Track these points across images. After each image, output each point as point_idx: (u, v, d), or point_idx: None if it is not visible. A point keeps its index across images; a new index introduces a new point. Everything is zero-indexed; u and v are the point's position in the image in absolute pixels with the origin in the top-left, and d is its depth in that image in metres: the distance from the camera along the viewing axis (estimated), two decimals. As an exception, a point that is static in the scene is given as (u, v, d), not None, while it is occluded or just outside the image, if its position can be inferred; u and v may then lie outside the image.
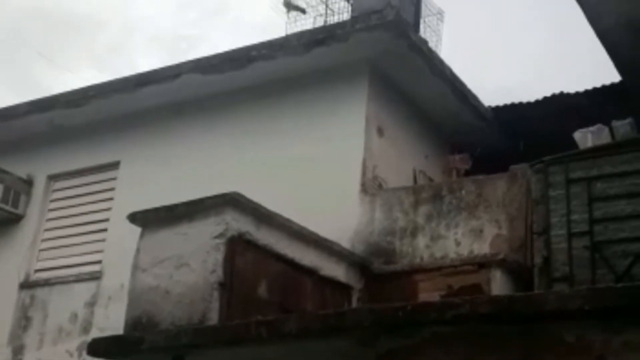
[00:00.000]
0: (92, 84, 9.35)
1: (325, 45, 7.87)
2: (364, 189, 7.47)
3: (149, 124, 9.13)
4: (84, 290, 8.68)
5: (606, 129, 6.95)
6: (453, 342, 4.51)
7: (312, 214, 6.78)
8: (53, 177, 9.76)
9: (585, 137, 6.90)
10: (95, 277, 8.69)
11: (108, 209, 8.97)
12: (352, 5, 9.13)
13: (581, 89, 8.35)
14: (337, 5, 9.55)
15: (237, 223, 5.69)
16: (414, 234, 7.04)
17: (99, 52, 29.69)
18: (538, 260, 5.91)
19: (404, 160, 8.19)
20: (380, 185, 7.61)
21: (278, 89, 8.37)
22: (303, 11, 10.03)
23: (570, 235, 5.76)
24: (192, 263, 5.65)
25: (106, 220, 8.91)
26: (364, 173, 7.54)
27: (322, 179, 7.65)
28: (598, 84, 8.29)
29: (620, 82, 8.01)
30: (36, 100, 9.66)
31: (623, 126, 6.91)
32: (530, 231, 6.24)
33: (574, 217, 5.78)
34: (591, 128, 6.93)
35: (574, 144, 6.96)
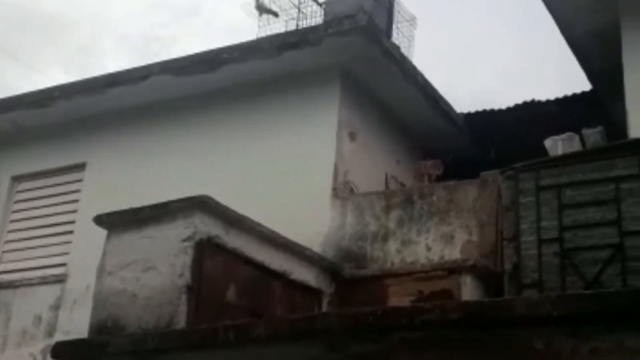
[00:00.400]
0: (58, 84, 9.22)
1: (297, 49, 7.85)
2: (336, 193, 7.45)
3: (117, 125, 9.02)
4: (48, 293, 8.54)
5: (577, 137, 7.01)
6: (422, 347, 4.48)
7: (283, 218, 6.74)
8: (17, 178, 9.61)
9: (556, 145, 6.94)
10: (60, 279, 8.57)
11: (74, 211, 8.84)
12: (324, 9, 9.14)
13: (552, 95, 8.46)
14: (309, 9, 9.55)
15: (205, 226, 5.63)
16: (385, 238, 7.03)
17: (68, 52, 29.43)
18: (508, 266, 5.91)
19: (376, 165, 8.18)
20: (351, 190, 7.60)
21: (249, 92, 8.32)
22: (275, 14, 10.00)
23: (540, 242, 5.77)
24: (159, 266, 5.57)
25: (72, 222, 8.79)
26: (335, 177, 7.53)
27: (294, 183, 7.62)
28: (569, 89, 8.43)
29: (591, 91, 8.10)
30: (-2, 100, 9.52)
31: (593, 134, 6.98)
32: (501, 237, 6.25)
33: (544, 223, 5.80)
34: (562, 136, 6.99)
35: (544, 151, 7.00)
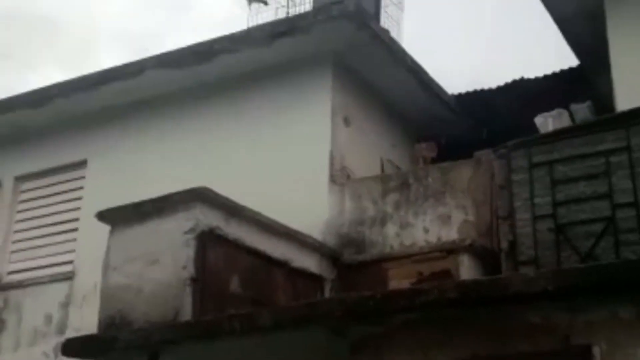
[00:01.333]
0: (54, 82, 9.27)
1: (288, 37, 7.89)
2: (333, 179, 7.52)
3: (115, 121, 9.08)
4: (57, 291, 8.62)
5: (566, 113, 7.08)
6: (423, 328, 4.60)
7: (282, 207, 6.81)
8: (20, 179, 9.67)
9: (546, 122, 7.02)
10: (68, 277, 8.65)
11: (77, 208, 8.91)
12: (313, -4, 9.17)
13: (541, 73, 8.50)
14: (298, -3, 9.58)
15: (206, 218, 5.71)
16: (383, 222, 7.12)
17: (63, 51, 29.36)
18: (504, 244, 6.00)
19: (371, 150, 8.25)
20: (348, 176, 7.67)
21: (243, 82, 8.37)
22: (265, 2, 10.06)
23: (535, 219, 5.86)
24: (163, 260, 5.66)
25: (76, 219, 8.87)
26: (331, 164, 7.59)
27: (291, 171, 7.68)
28: (557, 67, 8.45)
29: (578, 66, 8.16)
30: (-4, 101, 9.57)
31: (582, 109, 7.05)
32: (496, 216, 6.34)
33: (537, 200, 5.88)
34: (552, 112, 7.06)
35: (536, 129, 7.08)
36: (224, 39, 8.23)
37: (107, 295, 5.81)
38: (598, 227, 5.59)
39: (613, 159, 5.68)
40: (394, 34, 8.73)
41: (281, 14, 9.62)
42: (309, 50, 7.99)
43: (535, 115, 7.19)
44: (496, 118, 8.69)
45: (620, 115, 6.04)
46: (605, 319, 4.22)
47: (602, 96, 7.33)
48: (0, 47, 28.59)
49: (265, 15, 9.76)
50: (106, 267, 5.92)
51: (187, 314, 5.39)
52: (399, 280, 6.23)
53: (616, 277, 4.15)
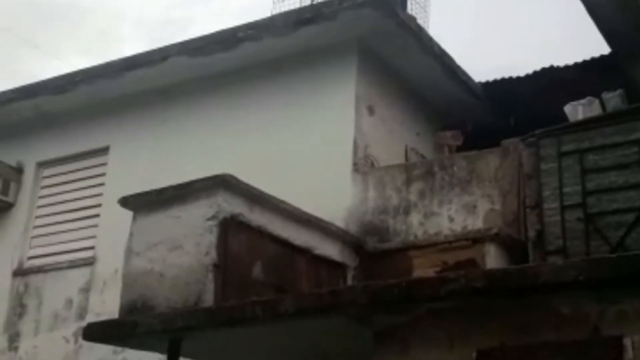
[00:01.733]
0: (78, 69, 9.28)
1: (312, 24, 7.81)
2: (356, 168, 7.46)
3: (138, 108, 9.07)
4: (78, 276, 8.66)
5: (596, 101, 6.94)
6: (449, 317, 4.52)
7: (305, 195, 6.76)
8: (43, 164, 9.71)
9: (576, 110, 6.89)
10: (89, 262, 8.67)
11: (99, 195, 8.93)
12: (339, -17, 9.06)
13: (571, 61, 8.35)
14: (323, -16, 9.46)
15: (229, 205, 5.68)
16: (407, 211, 7.04)
17: (87, 39, 29.52)
18: (532, 233, 5.92)
19: (396, 138, 8.17)
20: (372, 164, 7.60)
21: (266, 70, 8.33)
22: (289, -10, 9.99)
23: (563, 208, 5.77)
24: (185, 245, 5.64)
25: (98, 205, 8.88)
26: (355, 152, 7.53)
27: (314, 159, 7.63)
28: (587, 55, 8.29)
29: (610, 54, 8.00)
30: (21, 87, 9.59)
31: (613, 98, 6.90)
32: (523, 205, 6.25)
33: (567, 189, 5.79)
34: (582, 101, 6.92)
35: (565, 118, 6.95)
36: (248, 26, 8.18)
37: (129, 281, 5.80)
38: (629, 217, 5.49)
39: (645, 148, 5.56)
40: (420, 21, 8.63)
41: (305, 2, 9.55)
42: (333, 38, 7.91)
43: (564, 104, 7.05)
44: (524, 107, 8.56)
45: (653, 103, 5.91)
46: (638, 311, 4.12)
47: (635, 85, 7.19)
48: (25, 34, 28.79)
49: (290, 2, 9.69)
50: (129, 253, 5.92)
51: (209, 300, 5.36)
52: (423, 269, 6.14)
53: (649, 267, 4.04)
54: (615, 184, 5.63)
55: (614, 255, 4.83)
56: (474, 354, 4.31)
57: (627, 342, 4.02)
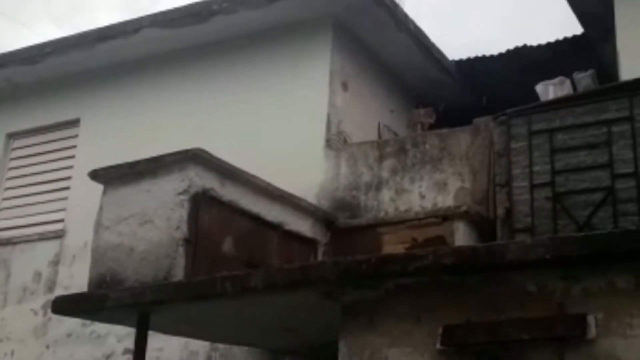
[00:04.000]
0: (49, 40, 9.15)
1: (287, -2, 7.76)
2: (329, 144, 7.47)
3: (109, 80, 8.99)
4: (47, 249, 8.61)
5: (568, 81, 7.00)
6: (417, 293, 4.55)
7: (277, 170, 6.76)
8: (12, 135, 9.61)
9: (547, 90, 6.94)
10: (58, 235, 8.62)
11: (69, 167, 8.86)
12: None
13: (544, 41, 8.39)
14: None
15: (200, 179, 5.64)
16: (378, 188, 7.07)
17: (58, 9, 29.03)
18: (501, 211, 5.96)
19: (369, 115, 8.18)
20: (345, 140, 7.60)
21: (240, 43, 8.27)
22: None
23: (532, 187, 5.81)
24: (156, 220, 5.60)
25: (68, 178, 8.82)
26: (328, 128, 7.53)
27: (287, 134, 7.62)
28: (561, 35, 8.34)
29: (582, 34, 8.05)
30: (-11, 57, 9.45)
31: (584, 78, 6.97)
32: (493, 183, 6.29)
33: (536, 168, 5.83)
34: (553, 80, 6.98)
35: (536, 97, 7.00)
36: (222, -1, 8.10)
37: (99, 254, 5.75)
38: (597, 197, 5.55)
39: (615, 128, 5.63)
40: (396, -2, 8.59)
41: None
42: (308, 12, 7.87)
43: (536, 83, 7.11)
44: (497, 86, 8.61)
45: (623, 84, 5.97)
46: (602, 289, 4.17)
47: (606, 65, 7.25)
48: (-4, 4, 28.21)
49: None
50: (98, 226, 5.86)
51: (179, 275, 5.34)
52: (393, 245, 6.18)
53: (615, 246, 4.09)
54: (583, 164, 5.67)
55: (580, 234, 4.89)
56: (440, 329, 4.34)
57: (590, 319, 4.07)
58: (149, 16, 8.53)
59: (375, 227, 6.54)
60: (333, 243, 6.70)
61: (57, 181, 8.93)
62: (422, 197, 6.79)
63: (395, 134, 8.30)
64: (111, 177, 5.93)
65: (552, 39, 8.34)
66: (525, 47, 8.46)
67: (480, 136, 6.72)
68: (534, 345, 4.09)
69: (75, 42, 8.91)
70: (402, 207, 6.84)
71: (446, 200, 6.65)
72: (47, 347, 8.25)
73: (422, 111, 8.50)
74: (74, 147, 9.01)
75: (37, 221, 8.89)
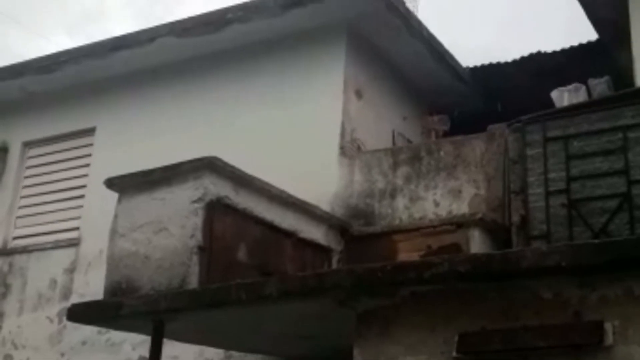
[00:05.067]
0: (64, 49, 9.22)
1: (301, 6, 7.78)
2: (343, 151, 7.46)
3: (124, 89, 9.03)
4: (62, 257, 8.65)
5: (583, 87, 6.97)
6: (432, 300, 4.54)
7: (291, 178, 6.77)
8: (28, 144, 9.67)
9: (562, 96, 6.92)
10: (74, 243, 8.66)
11: (85, 175, 8.91)
12: (328, -35, 9.00)
13: (558, 47, 8.36)
14: (313, -34, 9.41)
15: (215, 187, 5.66)
16: (393, 195, 7.06)
17: (73, 18, 29.25)
18: (516, 219, 5.93)
19: (383, 123, 8.17)
20: (359, 148, 7.61)
21: (255, 51, 8.30)
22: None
23: (548, 194, 5.78)
24: (170, 228, 5.62)
25: (83, 186, 8.86)
26: (342, 136, 7.53)
27: (301, 142, 7.63)
28: (575, 41, 8.30)
29: (597, 41, 8.02)
30: (6, 66, 9.51)
31: (600, 84, 6.93)
32: (508, 190, 6.26)
33: (551, 175, 5.80)
34: (568, 87, 6.95)
35: (551, 103, 6.97)
36: (237, 8, 8.15)
37: (114, 262, 5.78)
38: (613, 204, 5.51)
39: (631, 134, 5.59)
40: (409, 4, 8.60)
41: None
42: (322, 20, 7.89)
43: (551, 90, 7.08)
44: (511, 92, 8.58)
45: (639, 90, 5.92)
46: (619, 296, 4.15)
47: (622, 71, 7.21)
48: (11, 12, 28.52)
49: (278, -16, 9.59)
50: (113, 234, 5.89)
51: (193, 283, 5.35)
52: (407, 253, 6.16)
53: (631, 253, 4.06)
54: (599, 170, 5.64)
55: (596, 241, 4.86)
56: (456, 337, 4.33)
57: (607, 326, 4.05)
58: (164, 25, 8.58)
59: (389, 234, 6.53)
60: (347, 251, 6.69)
61: (73, 189, 8.97)
62: (437, 204, 6.77)
63: (409, 141, 8.29)
64: (126, 185, 5.96)
65: (566, 45, 8.31)
66: (539, 54, 8.43)
67: (494, 143, 6.70)
68: (550, 352, 4.07)
69: (90, 51, 8.97)
70: (416, 215, 6.82)
71: (461, 208, 6.63)
72: (62, 354, 8.28)
73: (436, 118, 8.49)
74: (89, 155, 9.05)
75: (52, 229, 8.94)
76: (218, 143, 7.52)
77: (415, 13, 8.71)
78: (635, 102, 5.65)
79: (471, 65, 8.95)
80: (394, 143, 8.12)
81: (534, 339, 4.12)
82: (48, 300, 8.59)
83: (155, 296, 5.32)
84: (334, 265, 6.57)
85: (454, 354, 4.28)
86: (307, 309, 4.97)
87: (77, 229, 8.74)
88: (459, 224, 6.23)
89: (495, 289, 4.40)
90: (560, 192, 5.75)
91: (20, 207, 9.41)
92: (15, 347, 8.65)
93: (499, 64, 8.76)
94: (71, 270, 8.57)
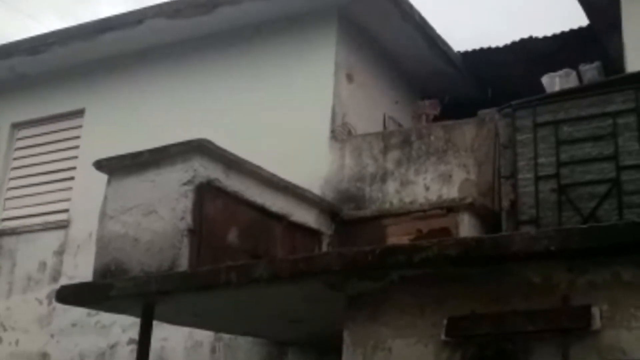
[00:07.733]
0: (52, 30, 9.14)
1: (292, -11, 7.75)
2: (334, 135, 7.46)
3: (114, 70, 8.98)
4: (52, 239, 8.63)
5: (573, 73, 6.98)
6: (421, 284, 4.55)
7: (282, 161, 6.76)
8: (17, 125, 9.62)
9: (553, 81, 6.92)
10: (63, 225, 8.63)
11: (74, 157, 8.87)
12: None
13: (549, 33, 8.36)
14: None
15: (205, 170, 5.64)
16: (383, 179, 7.07)
17: (62, 1, 28.98)
18: (505, 203, 5.96)
19: (374, 107, 8.16)
20: (349, 132, 7.60)
21: (245, 34, 8.25)
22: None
23: (537, 179, 5.81)
24: (160, 210, 5.60)
25: (73, 168, 8.83)
26: (333, 119, 7.52)
27: (292, 125, 7.61)
28: (567, 26, 8.31)
29: (588, 26, 8.02)
30: (-5, 47, 9.45)
31: (590, 70, 6.95)
32: (498, 175, 6.29)
33: (541, 160, 5.83)
34: (559, 72, 6.96)
35: (542, 89, 6.98)
36: (227, -11, 8.08)
37: (103, 244, 5.76)
38: (602, 189, 5.54)
39: (620, 120, 5.62)
40: (401, -12, 8.55)
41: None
42: (313, 3, 7.87)
43: (542, 75, 7.08)
44: (502, 77, 8.59)
45: (629, 76, 5.95)
46: (607, 281, 4.17)
47: (612, 57, 7.23)
48: (-1, -6, 28.19)
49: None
50: (103, 216, 5.87)
51: (183, 265, 5.34)
52: (397, 237, 6.18)
53: (620, 238, 4.08)
54: (589, 156, 5.67)
55: (585, 226, 4.88)
56: (445, 321, 4.34)
57: (595, 311, 4.07)
58: (153, 7, 8.52)
59: (379, 218, 6.54)
60: (338, 234, 6.70)
61: (62, 171, 8.94)
62: (427, 188, 6.79)
63: (400, 126, 8.29)
64: (115, 167, 5.93)
65: (557, 31, 8.31)
66: (530, 39, 8.43)
67: (485, 128, 6.71)
68: (538, 336, 4.10)
69: (79, 32, 8.90)
70: (406, 199, 6.83)
71: (451, 192, 6.65)
72: (52, 336, 8.28)
73: (427, 103, 8.49)
74: (78, 137, 9.02)
75: (42, 211, 8.91)
76: (208, 125, 7.49)
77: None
78: (625, 88, 5.67)
79: (462, 50, 8.95)
80: (385, 127, 8.11)
81: (523, 323, 4.14)
82: (37, 283, 8.58)
83: (145, 278, 5.31)
84: (325, 248, 6.58)
85: (443, 337, 4.30)
86: (297, 292, 4.98)
87: (66, 211, 8.71)
88: (449, 208, 6.24)
89: (485, 273, 4.42)
90: (549, 177, 5.77)
91: (9, 189, 9.37)
92: (5, 328, 8.64)
93: (490, 49, 8.76)
94: (60, 252, 8.55)
